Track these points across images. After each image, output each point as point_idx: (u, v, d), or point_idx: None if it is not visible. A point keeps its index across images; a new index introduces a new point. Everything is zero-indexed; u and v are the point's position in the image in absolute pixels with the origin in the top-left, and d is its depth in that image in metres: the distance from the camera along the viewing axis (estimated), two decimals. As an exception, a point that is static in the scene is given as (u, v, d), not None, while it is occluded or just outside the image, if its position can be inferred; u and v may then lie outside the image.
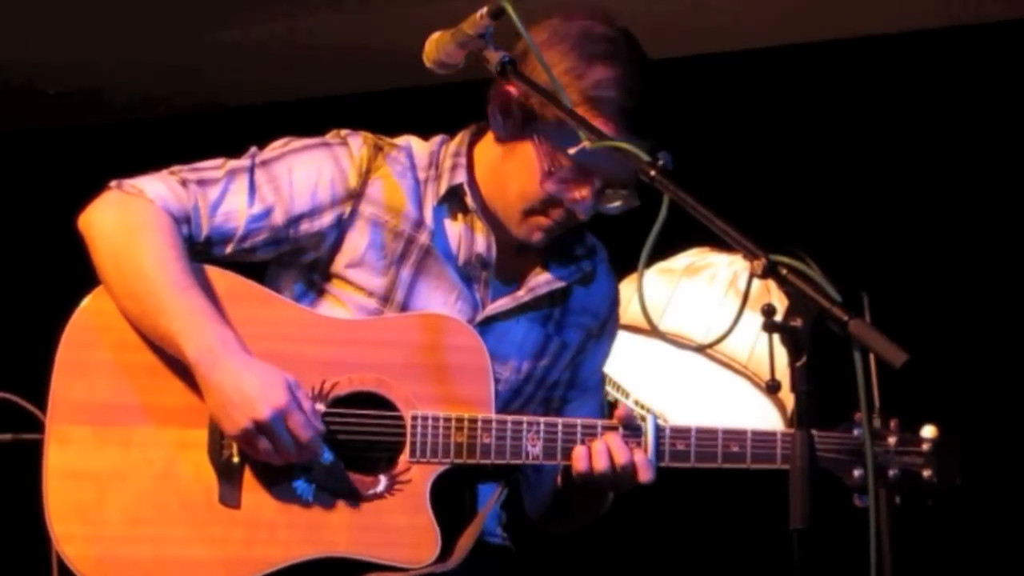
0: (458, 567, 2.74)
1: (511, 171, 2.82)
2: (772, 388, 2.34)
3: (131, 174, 2.87)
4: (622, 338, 3.29)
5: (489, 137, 2.88)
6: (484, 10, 2.66)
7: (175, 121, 5.67)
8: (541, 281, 2.91)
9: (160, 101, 5.71)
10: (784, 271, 2.24)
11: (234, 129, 3.09)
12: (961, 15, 4.75)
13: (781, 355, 2.24)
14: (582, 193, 2.77)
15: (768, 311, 2.22)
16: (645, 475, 2.73)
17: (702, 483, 3.63)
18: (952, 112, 4.74)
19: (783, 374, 2.24)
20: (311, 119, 3.08)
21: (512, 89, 2.77)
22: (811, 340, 2.20)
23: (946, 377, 4.16)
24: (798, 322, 2.20)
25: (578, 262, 2.94)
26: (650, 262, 2.53)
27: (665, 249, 3.50)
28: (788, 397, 2.30)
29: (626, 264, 2.78)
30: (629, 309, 3.24)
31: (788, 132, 4.87)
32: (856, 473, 2.70)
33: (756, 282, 2.32)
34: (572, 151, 2.65)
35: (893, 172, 4.78)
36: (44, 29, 5.20)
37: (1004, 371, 4.56)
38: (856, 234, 4.67)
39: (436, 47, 2.75)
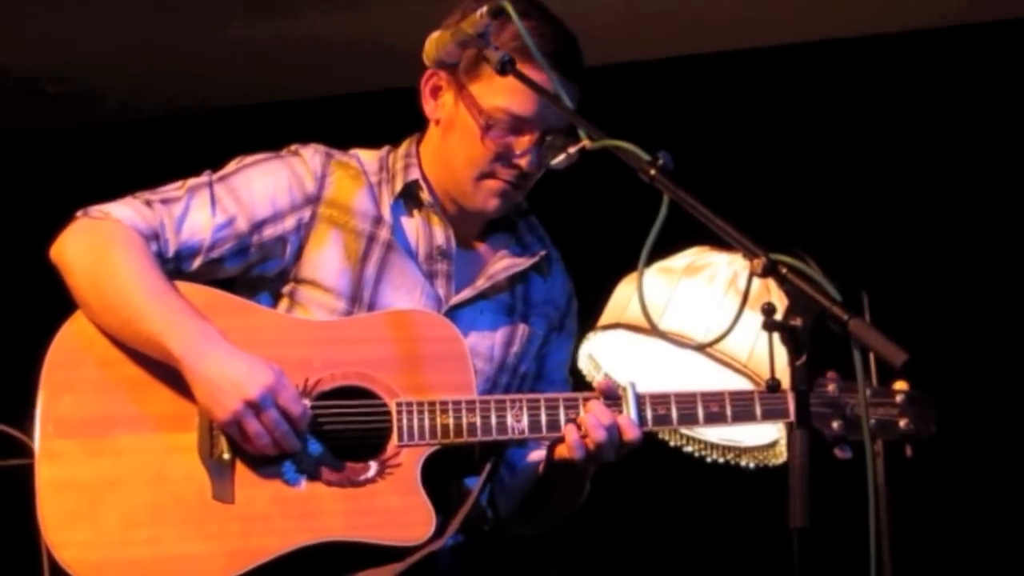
0: (453, 557, 2.79)
1: (454, 144, 2.91)
2: (772, 387, 2.35)
3: (131, 174, 2.89)
4: (622, 337, 3.29)
5: (430, 131, 2.98)
6: (484, 9, 2.69)
7: (174, 121, 5.67)
8: (499, 268, 3.00)
9: (159, 101, 5.71)
10: (784, 270, 2.24)
11: (233, 129, 3.10)
12: (963, 14, 4.75)
13: (781, 354, 2.24)
14: (523, 142, 2.86)
15: (768, 310, 2.22)
16: (630, 433, 2.77)
17: (701, 482, 3.64)
18: (952, 111, 4.74)
19: (783, 373, 2.24)
20: (311, 119, 3.10)
21: (440, 72, 2.88)
22: (811, 339, 2.20)
23: (945, 376, 4.16)
24: (798, 321, 2.20)
25: (530, 247, 3.04)
26: (650, 261, 2.54)
27: (665, 248, 3.49)
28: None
29: (626, 263, 2.78)
30: (629, 308, 3.24)
31: (788, 131, 4.87)
32: (835, 424, 2.76)
33: (756, 281, 2.32)
34: (572, 150, 2.68)
35: (892, 171, 4.78)
36: (44, 29, 5.20)
37: (1004, 370, 4.57)
38: (856, 233, 4.68)
39: (436, 46, 2.79)
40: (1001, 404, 4.53)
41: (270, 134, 3.03)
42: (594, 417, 2.76)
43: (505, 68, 2.70)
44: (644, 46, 2.77)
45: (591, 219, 3.07)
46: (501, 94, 2.82)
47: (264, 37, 5.27)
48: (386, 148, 3.03)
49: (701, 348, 3.11)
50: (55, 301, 2.84)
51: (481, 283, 2.98)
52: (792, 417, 2.44)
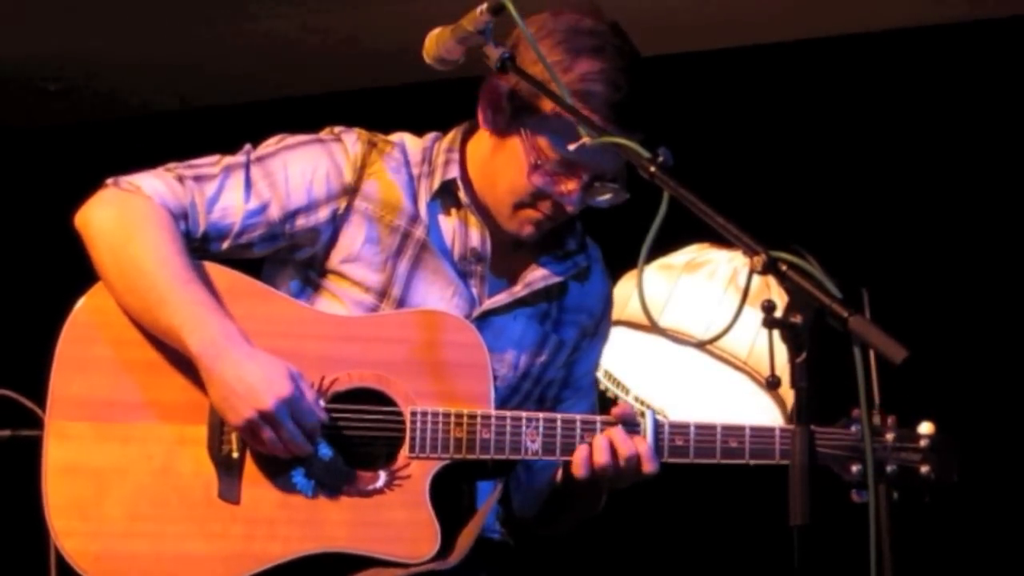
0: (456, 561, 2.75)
1: (500, 165, 2.84)
2: (772, 384, 2.34)
3: (131, 170, 2.87)
4: (622, 334, 3.29)
5: (481, 133, 2.90)
6: (484, 6, 2.68)
7: (175, 117, 5.66)
8: (537, 276, 2.92)
9: (159, 97, 5.71)
10: (784, 267, 2.23)
11: (234, 125, 3.09)
12: (963, 11, 4.75)
13: (781, 351, 2.24)
14: (569, 187, 2.79)
15: (768, 307, 2.22)
16: (649, 466, 2.75)
17: (702, 480, 3.63)
18: (952, 109, 4.74)
19: (783, 370, 2.24)
20: (312, 116, 3.08)
21: (502, 83, 2.79)
22: (811, 336, 2.19)
23: (946, 373, 4.16)
24: (798, 318, 2.20)
25: (572, 257, 2.96)
26: (650, 258, 2.53)
27: (665, 245, 3.49)
28: (788, 393, 2.30)
29: (626, 260, 2.78)
30: (629, 305, 3.24)
31: (788, 129, 4.86)
32: (854, 469, 2.72)
33: (756, 278, 2.32)
34: (572, 147, 2.67)
35: (893, 168, 4.78)
36: (44, 24, 5.20)
37: (1003, 367, 4.56)
38: (856, 230, 4.67)
39: (436, 43, 2.76)
40: (1002, 401, 4.53)
41: (273, 131, 3.00)
42: (607, 454, 2.72)
43: (505, 65, 2.69)
44: (643, 43, 2.77)
45: (591, 216, 3.06)
46: (555, 134, 2.74)
47: (265, 33, 5.27)
48: (433, 136, 2.95)
49: (701, 345, 3.11)
50: (71, 277, 2.81)
51: (518, 290, 2.91)
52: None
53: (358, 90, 5.40)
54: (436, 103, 2.99)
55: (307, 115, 3.09)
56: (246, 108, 5.53)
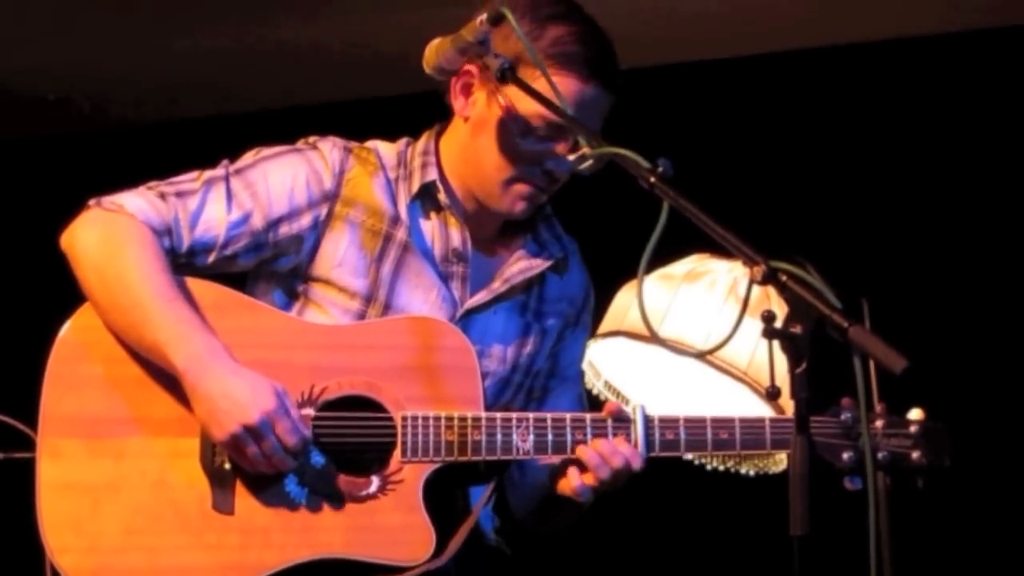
0: (453, 565, 2.76)
1: (485, 145, 2.87)
2: (772, 394, 2.34)
3: (131, 180, 2.88)
4: (622, 345, 3.28)
5: (453, 128, 2.94)
6: (483, 16, 2.69)
7: (174, 127, 5.67)
8: (515, 271, 2.96)
9: (159, 108, 5.71)
10: (784, 277, 2.24)
11: (234, 135, 3.09)
12: (962, 20, 4.76)
13: (781, 361, 2.24)
14: (559, 149, 2.82)
15: (768, 317, 2.22)
16: (637, 463, 2.77)
17: (701, 488, 3.63)
18: (952, 118, 4.74)
19: (783, 380, 2.24)
20: (312, 125, 3.08)
21: (472, 68, 2.83)
22: (810, 345, 2.20)
23: (946, 382, 4.16)
24: (798, 328, 2.20)
25: (548, 248, 3.00)
26: (650, 268, 2.53)
27: (665, 255, 3.49)
28: (788, 403, 2.30)
29: (626, 270, 2.78)
30: (629, 315, 3.24)
31: (787, 138, 4.87)
32: (845, 456, 2.75)
33: (756, 288, 2.32)
34: (572, 157, 2.69)
35: (892, 178, 4.78)
36: (43, 35, 5.20)
37: (1003, 375, 4.56)
38: (856, 241, 4.67)
39: (436, 53, 2.79)
40: (1002, 410, 4.53)
41: (273, 141, 3.01)
42: (597, 457, 2.75)
43: (504, 76, 2.71)
44: (643, 53, 2.78)
45: (591, 226, 3.06)
46: (538, 101, 2.75)
47: (266, 44, 5.28)
48: (404, 140, 2.98)
49: (701, 355, 3.10)
50: (61, 297, 2.81)
51: (497, 286, 2.94)
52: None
53: (361, 99, 5.41)
54: (435, 113, 3.00)
55: (307, 125, 3.10)
56: (245, 119, 5.53)
